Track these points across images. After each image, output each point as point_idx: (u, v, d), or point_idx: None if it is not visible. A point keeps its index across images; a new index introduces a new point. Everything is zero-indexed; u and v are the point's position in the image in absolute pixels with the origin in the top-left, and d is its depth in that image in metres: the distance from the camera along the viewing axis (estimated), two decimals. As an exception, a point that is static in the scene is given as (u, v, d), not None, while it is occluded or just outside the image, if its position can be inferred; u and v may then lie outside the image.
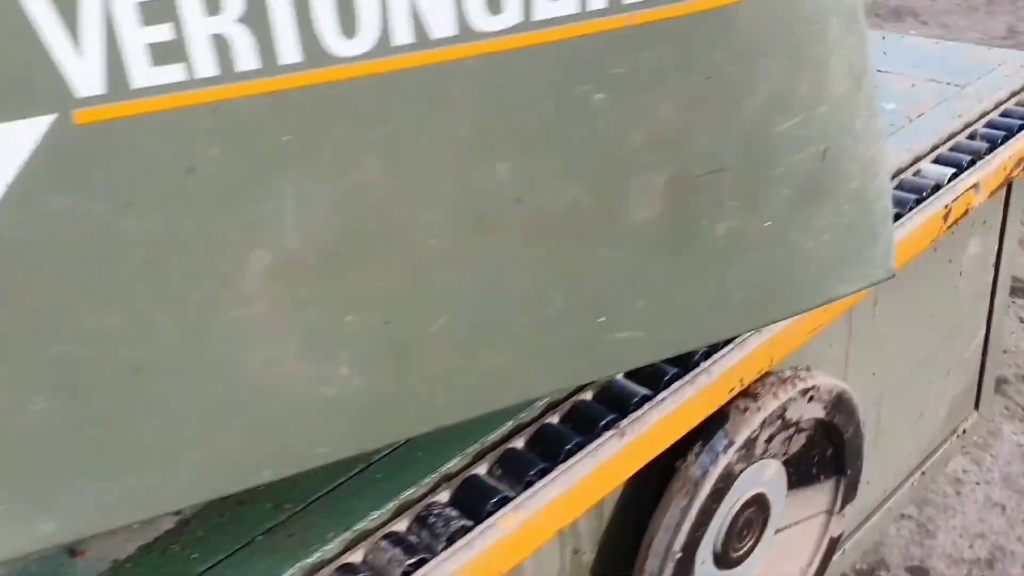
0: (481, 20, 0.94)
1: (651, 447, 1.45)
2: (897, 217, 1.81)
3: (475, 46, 0.95)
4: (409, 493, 1.31)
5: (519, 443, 1.41)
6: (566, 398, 1.46)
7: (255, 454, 1.10)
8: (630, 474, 1.45)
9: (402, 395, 1.14)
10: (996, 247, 2.40)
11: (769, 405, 1.65)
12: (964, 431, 2.62)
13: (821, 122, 1.18)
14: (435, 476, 1.34)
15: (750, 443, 1.63)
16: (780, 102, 1.13)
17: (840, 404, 1.81)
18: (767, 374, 1.70)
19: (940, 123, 2.08)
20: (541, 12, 0.95)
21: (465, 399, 1.18)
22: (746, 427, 1.63)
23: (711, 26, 1.03)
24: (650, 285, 1.19)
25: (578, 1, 0.96)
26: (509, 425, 1.41)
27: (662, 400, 1.45)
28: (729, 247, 1.20)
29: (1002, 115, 2.13)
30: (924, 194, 1.87)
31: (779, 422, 1.68)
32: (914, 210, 1.84)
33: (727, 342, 1.54)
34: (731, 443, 1.61)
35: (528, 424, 1.43)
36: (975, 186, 1.92)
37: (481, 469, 1.37)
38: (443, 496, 1.34)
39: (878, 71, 2.32)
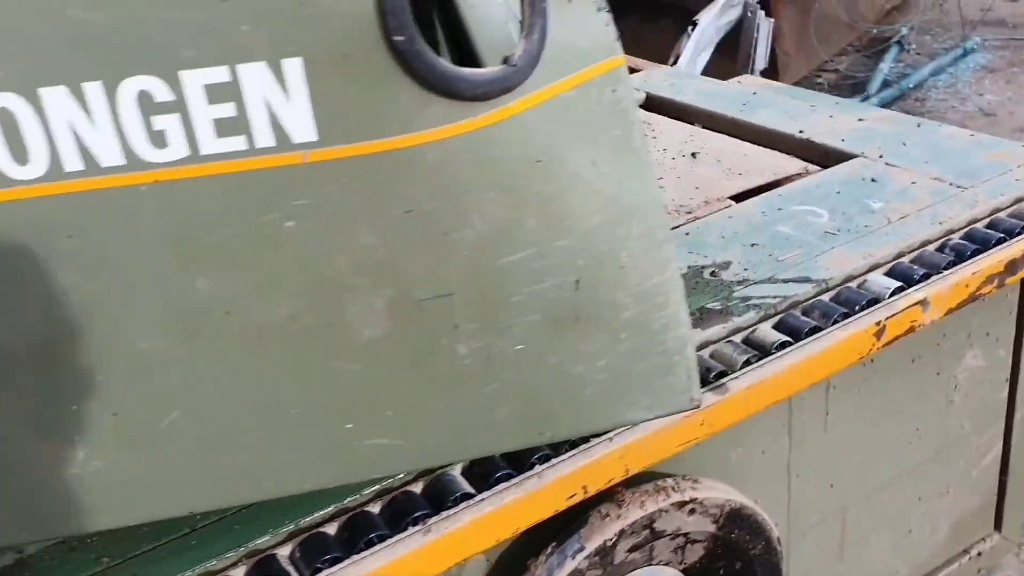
0: (147, 153, 1.01)
1: (464, 546, 1.46)
2: (815, 331, 1.73)
3: (147, 175, 1.02)
4: (211, 565, 1.39)
5: (331, 528, 1.45)
6: (400, 486, 1.50)
7: (10, 518, 1.22)
8: (435, 574, 1.46)
9: (147, 480, 1.22)
10: (1010, 360, 2.21)
11: (632, 514, 1.62)
12: (980, 553, 2.42)
13: (564, 254, 1.17)
14: (240, 551, 1.41)
15: (605, 550, 1.61)
16: (503, 236, 1.14)
17: (737, 520, 1.74)
18: (646, 481, 1.67)
19: (918, 229, 1.96)
20: (208, 148, 1.01)
21: (218, 488, 1.25)
22: (600, 534, 1.60)
23: (397, 165, 1.06)
24: (397, 397, 1.22)
25: (245, 139, 1.01)
26: (330, 509, 1.46)
27: (481, 500, 1.46)
28: (478, 367, 1.22)
29: (988, 225, 1.98)
30: (857, 308, 1.77)
31: (646, 532, 1.64)
32: (837, 324, 1.74)
33: (571, 447, 1.52)
34: (582, 548, 1.59)
35: (351, 509, 1.47)
36: (922, 303, 1.80)
37: (285, 550, 1.43)
38: (239, 572, 1.40)
39: (887, 164, 2.21)
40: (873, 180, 2.17)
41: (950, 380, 2.14)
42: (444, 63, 1.02)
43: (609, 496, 1.64)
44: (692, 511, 1.69)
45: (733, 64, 6.69)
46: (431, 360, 1.20)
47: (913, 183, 2.14)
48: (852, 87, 7.06)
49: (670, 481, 1.68)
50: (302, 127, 1.01)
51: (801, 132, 2.44)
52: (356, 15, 0.98)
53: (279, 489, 1.27)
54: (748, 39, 6.46)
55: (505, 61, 1.06)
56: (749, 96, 2.70)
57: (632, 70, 3.13)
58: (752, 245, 1.98)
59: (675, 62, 5.57)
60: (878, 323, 1.76)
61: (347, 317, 1.14)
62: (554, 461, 1.52)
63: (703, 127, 2.62)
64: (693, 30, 5.93)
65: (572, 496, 1.54)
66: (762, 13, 6.42)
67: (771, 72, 6.88)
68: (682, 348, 1.29)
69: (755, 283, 1.85)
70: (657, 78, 2.93)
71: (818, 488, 2.03)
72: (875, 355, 1.92)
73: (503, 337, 1.20)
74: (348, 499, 1.47)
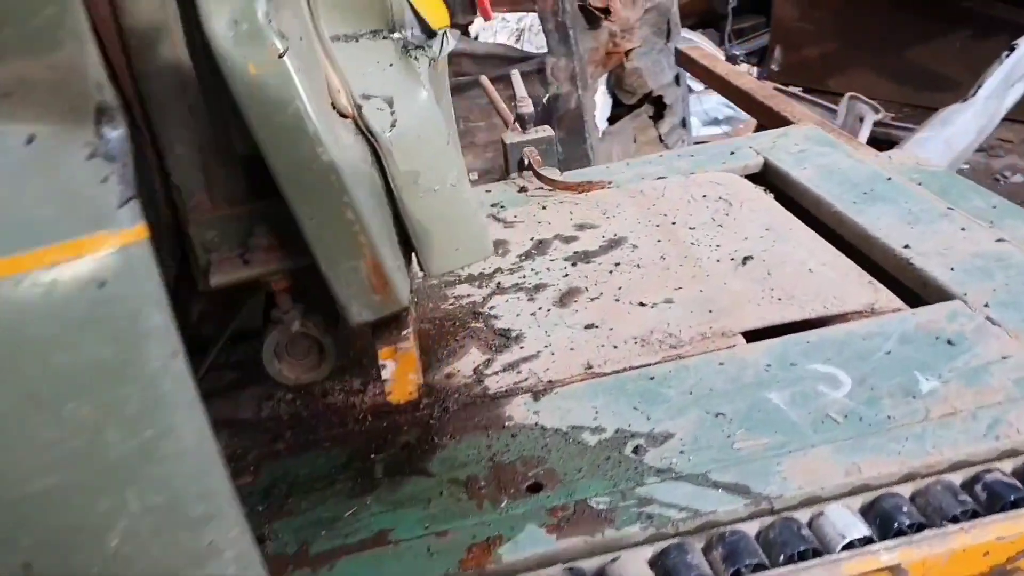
0: None
1: None
2: (697, 584, 1.18)
3: None
4: None
5: None
6: None
7: None
8: None
9: None
10: None
11: None
12: None
13: None
14: None
15: None
16: None
17: None
18: None
19: (959, 439, 1.31)
20: None
21: None
22: None
23: None
24: None
25: None
26: None
27: None
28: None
29: (1073, 454, 1.28)
30: (782, 559, 1.19)
31: None
32: (739, 581, 1.18)
33: None
34: None
35: None
36: (892, 569, 1.18)
37: None
38: None
39: (987, 318, 1.56)
40: (949, 343, 1.51)
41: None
42: None
43: None
44: None
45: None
46: None
47: (1004, 358, 1.46)
48: None
49: None
50: None
51: (906, 247, 1.78)
52: None
53: None
54: (1088, 71, 5.32)
55: None
56: (879, 182, 2.04)
57: (786, 122, 2.52)
58: (717, 415, 1.42)
59: (975, 93, 4.66)
60: (806, 590, 1.17)
61: None
62: None
63: (808, 216, 2.02)
64: (1008, 56, 4.94)
65: None
66: (1113, 40, 5.25)
67: None
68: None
69: (676, 478, 1.31)
70: (791, 139, 2.32)
71: None
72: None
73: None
74: None
